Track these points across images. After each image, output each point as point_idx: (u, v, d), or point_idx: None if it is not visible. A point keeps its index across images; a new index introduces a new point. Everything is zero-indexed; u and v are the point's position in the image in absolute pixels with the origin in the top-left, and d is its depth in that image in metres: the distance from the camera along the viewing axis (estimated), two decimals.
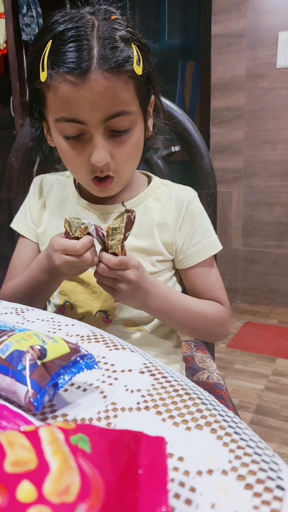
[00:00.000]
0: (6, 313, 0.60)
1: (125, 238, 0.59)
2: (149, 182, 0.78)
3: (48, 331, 0.54)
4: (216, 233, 0.80)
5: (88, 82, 0.57)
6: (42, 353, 0.37)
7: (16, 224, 0.80)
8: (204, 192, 0.98)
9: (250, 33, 2.19)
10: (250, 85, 2.24)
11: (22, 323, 0.57)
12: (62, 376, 0.37)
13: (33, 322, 0.58)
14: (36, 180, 0.82)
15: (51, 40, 0.58)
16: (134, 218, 0.59)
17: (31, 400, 0.34)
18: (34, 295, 0.71)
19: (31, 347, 0.37)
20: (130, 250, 0.72)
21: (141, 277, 0.61)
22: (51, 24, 0.60)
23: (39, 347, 0.38)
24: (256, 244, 2.39)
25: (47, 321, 0.58)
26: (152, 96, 0.68)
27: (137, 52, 0.60)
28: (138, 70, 0.60)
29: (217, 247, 0.76)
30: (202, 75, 2.37)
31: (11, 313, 0.60)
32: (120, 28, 0.60)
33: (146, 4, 2.97)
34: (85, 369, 0.39)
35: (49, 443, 0.22)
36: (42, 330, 0.54)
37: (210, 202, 0.99)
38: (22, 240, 0.80)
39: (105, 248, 0.60)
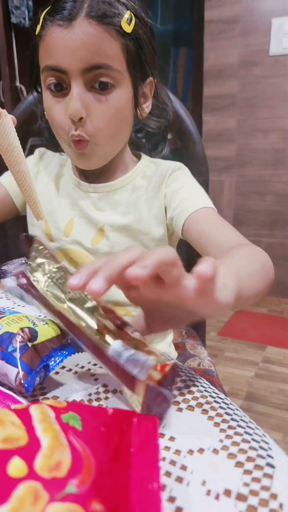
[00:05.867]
0: None
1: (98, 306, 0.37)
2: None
3: (39, 316, 0.53)
4: None
5: (73, 28, 0.57)
6: (33, 335, 0.37)
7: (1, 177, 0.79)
8: (196, 179, 0.98)
9: (244, 20, 2.16)
10: (243, 73, 2.22)
11: (13, 308, 0.56)
12: (53, 358, 0.37)
13: (23, 306, 0.57)
14: (38, 151, 0.82)
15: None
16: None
17: (22, 381, 0.34)
18: None
19: (22, 329, 0.37)
20: (117, 230, 0.69)
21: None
22: None
23: (30, 329, 0.37)
24: (247, 233, 2.39)
25: None
26: (150, 78, 0.67)
27: (130, 16, 0.60)
28: (127, 28, 0.60)
29: (210, 203, 0.68)
30: (195, 62, 2.34)
31: (1, 298, 0.60)
32: None
33: None
34: (76, 352, 0.38)
35: (40, 421, 0.22)
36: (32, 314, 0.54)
37: None
38: None
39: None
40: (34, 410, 0.23)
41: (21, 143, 1.01)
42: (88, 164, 0.68)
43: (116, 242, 0.70)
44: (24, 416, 0.22)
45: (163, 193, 0.70)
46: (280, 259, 2.30)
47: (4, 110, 0.48)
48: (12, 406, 0.23)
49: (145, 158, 0.77)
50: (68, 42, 0.57)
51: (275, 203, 2.29)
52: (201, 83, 2.30)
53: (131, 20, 0.60)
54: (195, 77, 2.35)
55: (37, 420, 0.22)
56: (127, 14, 0.60)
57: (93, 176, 0.73)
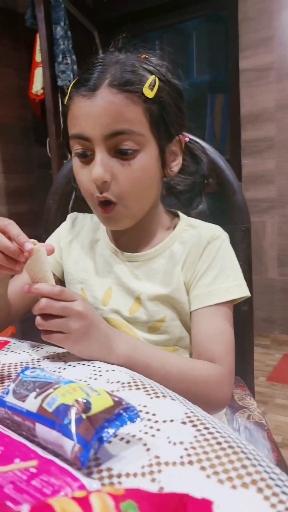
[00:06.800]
0: (48, 358, 0.62)
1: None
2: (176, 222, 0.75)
3: (89, 377, 0.55)
4: (250, 266, 0.75)
5: (95, 97, 0.60)
6: (87, 407, 0.38)
7: None
8: (237, 227, 0.98)
9: (278, 66, 2.22)
10: (280, 116, 2.26)
11: (64, 368, 0.58)
12: (106, 430, 0.38)
13: (74, 367, 0.59)
14: (70, 217, 0.84)
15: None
16: None
17: (77, 455, 0.35)
18: None
19: (76, 401, 0.38)
20: (154, 299, 0.68)
21: (92, 310, 0.56)
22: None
23: (84, 401, 0.39)
24: None
25: (88, 365, 0.59)
26: (178, 136, 0.68)
27: (154, 80, 0.61)
28: (149, 93, 0.60)
29: (230, 295, 0.67)
30: (231, 108, 2.41)
31: (53, 358, 0.62)
32: (146, 62, 0.63)
33: (174, 43, 3.09)
34: (128, 422, 0.39)
35: (100, 511, 0.23)
36: (83, 375, 0.55)
37: (244, 237, 0.98)
38: None
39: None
40: (95, 499, 0.24)
41: (66, 197, 1.06)
42: (117, 226, 0.68)
43: (153, 310, 0.68)
44: (85, 505, 0.23)
45: (195, 265, 0.69)
46: None
47: (37, 245, 0.54)
48: (73, 494, 0.24)
49: (182, 219, 0.75)
50: (90, 110, 0.60)
51: None
52: (239, 128, 2.36)
53: (154, 84, 0.61)
54: (233, 123, 2.41)
55: (98, 510, 0.23)
56: (150, 79, 0.61)
57: (130, 244, 0.72)
